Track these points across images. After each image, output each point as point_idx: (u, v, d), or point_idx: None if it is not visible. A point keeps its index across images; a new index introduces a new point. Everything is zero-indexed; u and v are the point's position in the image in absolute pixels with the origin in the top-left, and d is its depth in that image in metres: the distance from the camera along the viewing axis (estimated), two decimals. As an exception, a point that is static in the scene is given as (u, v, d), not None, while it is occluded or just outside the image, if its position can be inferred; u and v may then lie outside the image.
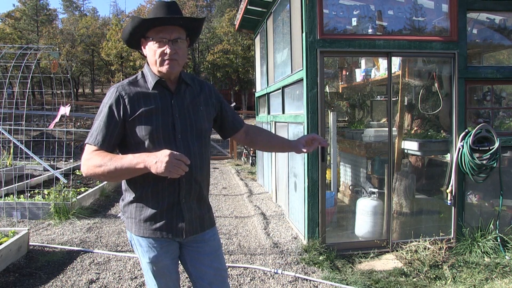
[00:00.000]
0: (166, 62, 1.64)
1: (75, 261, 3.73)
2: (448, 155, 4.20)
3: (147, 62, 1.75)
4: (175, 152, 1.45)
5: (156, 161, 1.44)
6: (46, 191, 5.68)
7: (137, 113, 1.63)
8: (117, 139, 1.65)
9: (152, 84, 1.69)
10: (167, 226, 1.71)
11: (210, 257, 1.81)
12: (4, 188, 5.87)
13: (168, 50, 1.62)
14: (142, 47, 1.73)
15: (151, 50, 1.66)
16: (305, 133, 3.88)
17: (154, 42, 1.64)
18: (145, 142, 1.63)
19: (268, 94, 6.45)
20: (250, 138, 2.01)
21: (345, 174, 5.98)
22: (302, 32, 3.87)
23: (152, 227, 1.70)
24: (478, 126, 3.88)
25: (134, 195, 1.71)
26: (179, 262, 1.88)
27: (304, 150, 1.85)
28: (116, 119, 1.63)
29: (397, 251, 3.90)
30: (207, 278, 1.80)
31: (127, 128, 1.64)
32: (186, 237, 1.75)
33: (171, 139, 1.66)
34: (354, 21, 4.13)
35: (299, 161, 4.35)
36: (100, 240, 4.31)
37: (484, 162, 3.82)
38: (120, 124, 1.63)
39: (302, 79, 3.98)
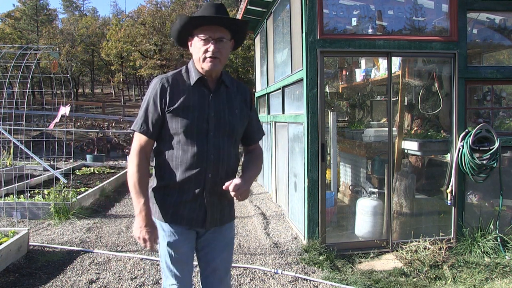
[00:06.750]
0: (209, 59, 1.72)
1: (75, 261, 3.73)
2: (448, 155, 4.20)
3: (193, 59, 1.83)
4: (145, 234, 1.72)
5: (135, 230, 1.75)
6: (46, 191, 5.68)
7: (176, 105, 1.72)
8: (159, 130, 1.76)
9: (194, 80, 1.77)
10: (189, 216, 1.80)
11: (221, 247, 1.92)
12: (4, 188, 5.87)
13: (211, 48, 1.70)
14: (189, 44, 1.81)
15: (196, 47, 1.74)
16: (305, 133, 3.88)
17: (199, 40, 1.72)
18: (179, 135, 1.72)
19: (268, 94, 6.45)
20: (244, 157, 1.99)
21: (345, 174, 5.98)
22: (302, 32, 3.87)
23: (175, 216, 1.80)
24: (478, 126, 3.87)
25: (161, 183, 1.80)
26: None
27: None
28: (159, 110, 1.73)
29: (397, 251, 3.90)
30: (213, 264, 1.92)
31: (165, 119, 1.73)
32: (207, 229, 1.85)
33: (203, 135, 1.74)
34: (354, 21, 4.14)
35: (299, 161, 4.35)
36: (100, 240, 4.31)
37: (484, 162, 3.82)
38: (162, 116, 1.74)
39: (302, 79, 3.98)
